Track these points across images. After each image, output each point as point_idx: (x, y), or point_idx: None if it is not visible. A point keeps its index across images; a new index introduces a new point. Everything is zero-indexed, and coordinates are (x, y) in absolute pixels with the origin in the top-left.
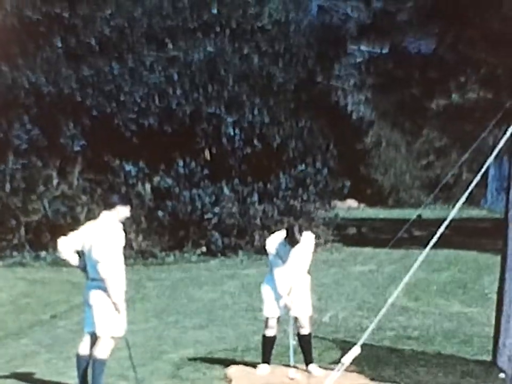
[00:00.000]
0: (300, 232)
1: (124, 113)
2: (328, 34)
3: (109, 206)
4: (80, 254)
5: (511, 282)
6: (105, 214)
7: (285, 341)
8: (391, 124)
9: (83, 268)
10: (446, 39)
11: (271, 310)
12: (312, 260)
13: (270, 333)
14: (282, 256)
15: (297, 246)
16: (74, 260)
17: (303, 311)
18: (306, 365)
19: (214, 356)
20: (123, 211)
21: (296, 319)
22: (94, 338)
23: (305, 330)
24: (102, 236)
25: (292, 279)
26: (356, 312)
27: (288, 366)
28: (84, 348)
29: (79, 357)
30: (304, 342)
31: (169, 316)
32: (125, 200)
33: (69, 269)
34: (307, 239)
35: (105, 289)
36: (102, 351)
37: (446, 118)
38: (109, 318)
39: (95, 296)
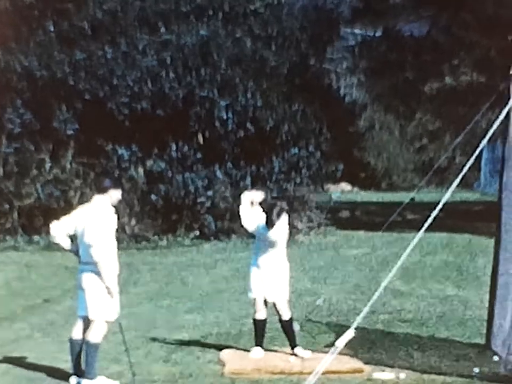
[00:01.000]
0: (278, 215)
1: (117, 97)
2: (321, 17)
3: (102, 190)
4: (73, 238)
5: (505, 265)
6: (97, 198)
7: (278, 325)
8: (384, 107)
9: (76, 251)
10: (439, 21)
11: (255, 291)
12: (306, 243)
13: (259, 315)
14: (260, 236)
15: (274, 228)
16: (67, 244)
17: (279, 296)
18: (292, 348)
19: (207, 339)
20: (115, 195)
21: (274, 304)
22: (87, 322)
23: (285, 316)
24: (94, 220)
25: (268, 262)
26: (349, 296)
27: (281, 350)
28: (77, 332)
29: (72, 341)
30: (286, 327)
31: (162, 299)
32: (117, 184)
33: (63, 253)
34: (284, 221)
35: (98, 273)
36: (95, 335)
37: (439, 101)
38: (102, 302)
39: (87, 280)
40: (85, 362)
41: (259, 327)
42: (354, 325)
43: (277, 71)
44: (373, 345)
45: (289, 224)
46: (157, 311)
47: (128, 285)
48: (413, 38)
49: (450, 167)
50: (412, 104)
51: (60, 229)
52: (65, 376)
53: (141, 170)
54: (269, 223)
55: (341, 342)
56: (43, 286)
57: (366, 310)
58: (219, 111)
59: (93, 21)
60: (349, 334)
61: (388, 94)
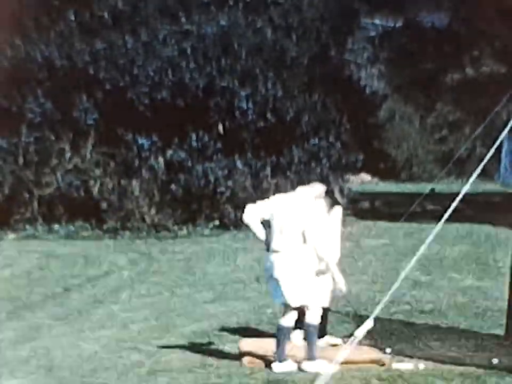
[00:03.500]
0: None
1: (137, 87)
2: (342, 8)
3: (308, 184)
4: (263, 223)
5: None
6: (302, 189)
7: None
8: (404, 98)
9: (264, 238)
10: (460, 13)
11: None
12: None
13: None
14: None
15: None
16: (258, 229)
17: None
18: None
19: (226, 329)
20: (320, 189)
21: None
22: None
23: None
24: (305, 211)
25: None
26: (369, 286)
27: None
28: (286, 320)
29: (281, 328)
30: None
31: (182, 289)
32: (325, 180)
33: (82, 242)
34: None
35: (293, 261)
36: (314, 318)
37: (459, 92)
38: (302, 289)
39: (284, 269)
40: (306, 345)
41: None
42: (373, 315)
43: (297, 61)
44: (392, 335)
45: None
46: (176, 301)
47: (147, 274)
48: (434, 29)
49: (470, 158)
50: (432, 95)
51: (255, 213)
52: (85, 364)
53: (161, 160)
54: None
55: (360, 332)
56: (63, 275)
57: (385, 300)
58: (239, 101)
59: (113, 10)
60: (368, 324)
61: (408, 85)
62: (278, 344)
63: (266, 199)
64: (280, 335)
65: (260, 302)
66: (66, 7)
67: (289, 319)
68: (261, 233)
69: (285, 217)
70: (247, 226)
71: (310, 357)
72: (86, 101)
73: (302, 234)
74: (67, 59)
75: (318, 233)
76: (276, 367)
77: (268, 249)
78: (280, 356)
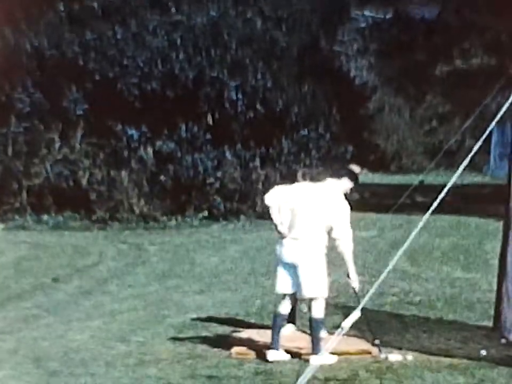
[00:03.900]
0: None
1: (127, 78)
2: None
3: (338, 176)
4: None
5: None
6: (331, 181)
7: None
8: (394, 90)
9: (278, 225)
10: (449, 4)
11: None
12: None
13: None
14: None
15: None
16: (276, 212)
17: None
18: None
19: (215, 320)
20: (347, 185)
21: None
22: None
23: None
24: (335, 203)
25: None
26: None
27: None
28: (284, 308)
29: (278, 315)
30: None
31: (171, 280)
32: (354, 177)
33: (71, 233)
34: None
35: (311, 249)
36: (319, 311)
37: (449, 84)
38: (317, 279)
39: (302, 256)
40: (312, 339)
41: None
42: (361, 306)
43: (287, 52)
44: (380, 327)
45: None
46: (165, 292)
47: (136, 265)
48: (424, 21)
49: (460, 150)
50: (422, 86)
51: (277, 196)
52: (73, 355)
53: (150, 150)
54: None
55: (347, 323)
56: (51, 265)
57: (372, 291)
58: (229, 92)
59: (103, 1)
60: (355, 315)
61: (398, 76)
62: (273, 332)
63: (290, 185)
64: (275, 322)
65: (249, 293)
66: None
67: (285, 307)
68: (277, 218)
69: (311, 206)
70: (267, 208)
71: (316, 350)
72: (76, 92)
73: (327, 226)
74: (56, 49)
75: (346, 227)
76: (271, 355)
77: (281, 235)
78: (275, 344)
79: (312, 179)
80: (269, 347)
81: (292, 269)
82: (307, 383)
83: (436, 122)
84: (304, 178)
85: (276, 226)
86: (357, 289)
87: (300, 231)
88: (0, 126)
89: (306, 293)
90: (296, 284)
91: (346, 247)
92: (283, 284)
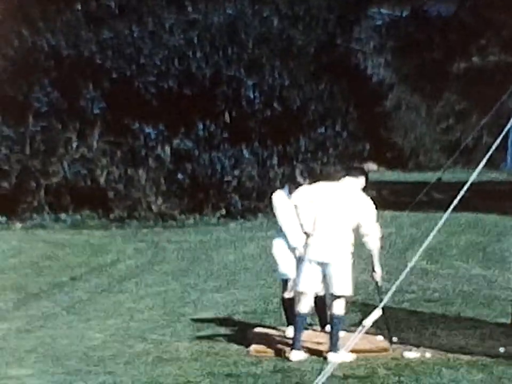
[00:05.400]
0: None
1: (144, 76)
2: None
3: (355, 174)
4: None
5: None
6: (349, 180)
7: None
8: (411, 87)
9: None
10: (466, 1)
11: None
12: None
13: (287, 294)
14: None
15: None
16: (302, 211)
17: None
18: (322, 327)
19: (233, 318)
20: (362, 182)
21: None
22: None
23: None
24: (360, 202)
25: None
26: None
27: (306, 328)
28: (305, 307)
29: (301, 315)
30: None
31: (189, 278)
32: (364, 174)
33: (89, 231)
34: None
35: (339, 247)
36: (340, 309)
37: (466, 81)
38: (345, 277)
39: (330, 255)
40: (331, 336)
41: (288, 305)
42: (382, 304)
43: (304, 50)
44: (399, 324)
45: None
46: (183, 290)
47: (154, 263)
48: (440, 18)
49: (477, 147)
50: (439, 84)
51: (304, 196)
52: (91, 353)
53: (167, 149)
54: None
55: (369, 321)
56: (69, 264)
57: (393, 289)
58: (246, 90)
59: (120, 0)
60: (376, 313)
61: (414, 73)
62: (296, 332)
63: (315, 185)
64: (298, 322)
65: (267, 291)
66: None
67: (307, 306)
68: (304, 217)
69: (337, 205)
70: (295, 207)
71: (334, 349)
72: (93, 90)
73: (353, 224)
74: (74, 48)
75: (374, 223)
76: (294, 355)
77: (305, 233)
78: (297, 344)
79: (310, 176)
80: (291, 347)
81: (319, 267)
82: (326, 381)
83: (452, 120)
84: (302, 175)
85: (301, 226)
86: (380, 284)
87: (327, 230)
88: (18, 125)
89: (335, 290)
90: (324, 282)
91: (374, 243)
92: (307, 282)
